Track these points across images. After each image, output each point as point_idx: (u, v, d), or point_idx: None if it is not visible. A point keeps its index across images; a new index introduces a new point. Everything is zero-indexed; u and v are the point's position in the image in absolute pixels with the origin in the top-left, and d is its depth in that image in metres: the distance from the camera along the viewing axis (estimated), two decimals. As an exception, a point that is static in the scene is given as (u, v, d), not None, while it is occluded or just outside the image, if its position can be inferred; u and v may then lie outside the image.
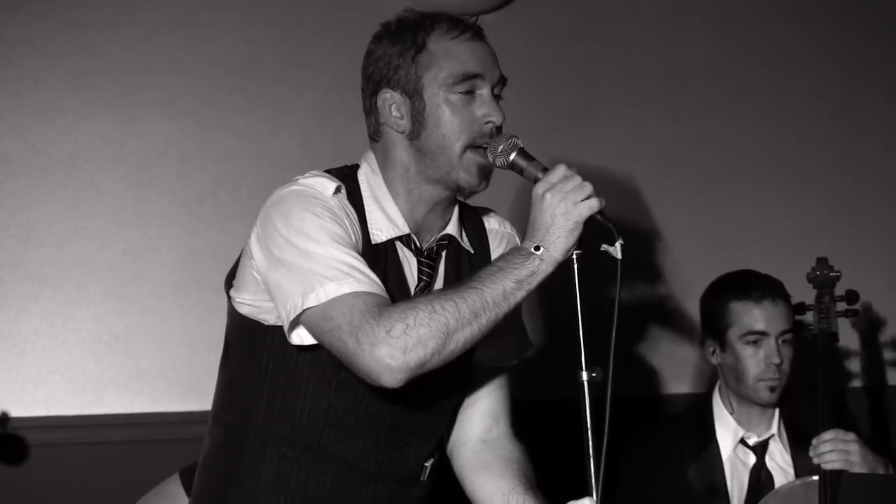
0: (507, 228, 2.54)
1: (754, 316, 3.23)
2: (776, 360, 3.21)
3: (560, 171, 2.20)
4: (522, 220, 2.46)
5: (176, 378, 3.54)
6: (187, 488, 2.91)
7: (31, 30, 3.54)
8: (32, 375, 3.48)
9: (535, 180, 2.23)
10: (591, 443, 2.16)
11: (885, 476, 3.02)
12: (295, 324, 2.21)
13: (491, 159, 2.29)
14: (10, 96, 3.52)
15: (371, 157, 2.40)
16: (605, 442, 2.15)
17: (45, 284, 3.50)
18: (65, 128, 3.54)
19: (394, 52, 2.32)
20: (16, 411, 3.43)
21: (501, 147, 2.27)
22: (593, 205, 2.18)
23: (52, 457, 3.42)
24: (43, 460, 3.41)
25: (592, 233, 2.20)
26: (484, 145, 2.29)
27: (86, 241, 3.53)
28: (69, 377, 3.49)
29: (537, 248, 2.18)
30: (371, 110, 2.37)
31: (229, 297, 2.40)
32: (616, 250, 2.19)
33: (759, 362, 3.22)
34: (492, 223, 2.52)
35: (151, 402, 3.53)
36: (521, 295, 2.17)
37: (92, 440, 3.47)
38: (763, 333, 3.22)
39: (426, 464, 2.46)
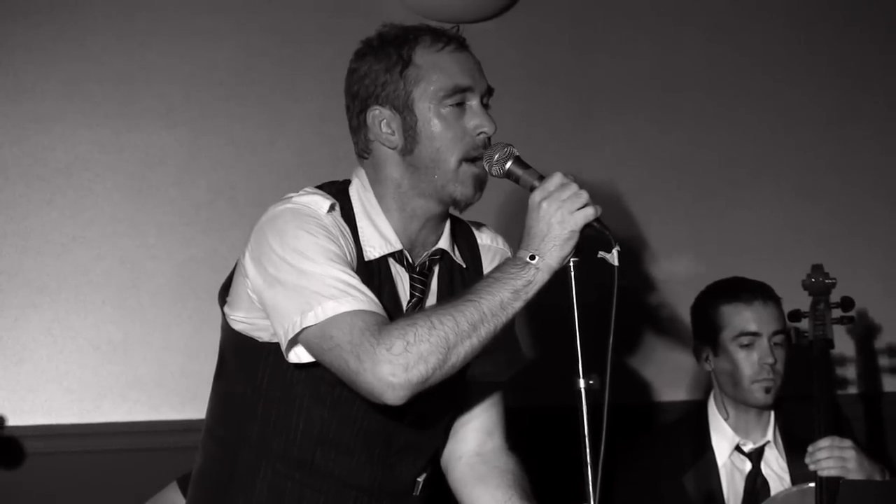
0: (500, 244, 2.53)
1: (745, 317, 3.25)
2: (769, 360, 3.22)
3: (556, 179, 2.21)
4: (510, 228, 2.47)
5: (174, 386, 3.54)
6: (185, 495, 2.91)
7: (29, 38, 3.54)
8: (30, 384, 3.48)
9: (532, 189, 2.23)
10: (588, 450, 2.16)
11: (882, 482, 3.02)
12: (293, 343, 2.21)
13: (487, 168, 2.29)
14: (8, 104, 3.53)
15: (361, 173, 2.39)
16: (602, 449, 2.15)
17: (44, 293, 3.50)
18: (62, 136, 3.55)
19: (380, 69, 2.32)
20: (14, 419, 3.43)
21: (497, 156, 2.28)
22: (589, 213, 2.18)
23: (50, 465, 3.42)
24: (41, 469, 3.41)
25: (589, 240, 2.20)
26: (479, 156, 2.30)
27: (83, 250, 3.54)
28: (67, 385, 3.49)
29: (533, 258, 2.18)
30: (359, 128, 2.36)
31: (223, 314, 2.40)
32: (613, 257, 2.19)
33: (752, 364, 3.23)
34: (484, 238, 2.52)
35: (149, 410, 3.53)
36: (518, 305, 2.18)
37: (90, 448, 3.47)
38: (755, 334, 3.24)
39: (419, 479, 2.46)
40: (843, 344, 3.94)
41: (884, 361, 4.06)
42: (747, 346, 3.24)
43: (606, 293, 2.17)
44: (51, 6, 3.56)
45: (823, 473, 2.97)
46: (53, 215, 3.53)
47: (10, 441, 3.41)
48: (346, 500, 2.37)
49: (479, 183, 2.32)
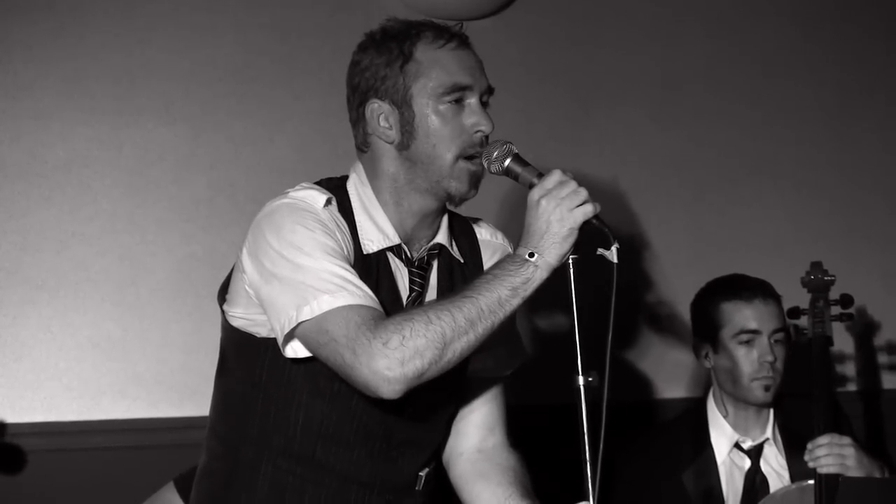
0: (499, 239, 2.53)
1: (746, 315, 3.25)
2: (769, 358, 3.22)
3: (555, 176, 2.21)
4: (508, 225, 2.47)
5: (173, 383, 3.54)
6: (182, 495, 2.91)
7: (27, 35, 3.54)
8: (30, 381, 3.47)
9: (530, 186, 2.24)
10: (587, 448, 2.16)
11: (882, 479, 3.02)
12: (289, 337, 2.22)
13: (486, 165, 2.29)
14: (6, 101, 3.52)
15: (359, 167, 2.39)
16: (601, 447, 2.15)
17: (43, 290, 3.50)
18: (61, 133, 3.55)
19: (381, 62, 2.32)
20: (13, 417, 3.43)
21: (496, 153, 2.28)
22: (588, 210, 2.18)
23: (50, 463, 3.42)
24: (40, 466, 3.41)
25: (589, 237, 2.20)
26: (476, 154, 2.30)
27: (82, 247, 3.53)
28: (66, 383, 3.49)
29: (532, 255, 2.18)
30: (358, 120, 2.36)
31: (223, 311, 2.40)
32: (612, 254, 2.20)
33: (752, 361, 3.23)
34: (483, 234, 2.52)
35: (148, 407, 3.53)
36: (516, 302, 2.18)
37: (89, 446, 3.46)
38: (755, 332, 3.24)
39: (421, 474, 2.45)
40: (843, 341, 3.95)
41: (883, 358, 4.06)
42: (747, 344, 3.24)
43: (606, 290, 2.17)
44: (50, 3, 3.55)
45: (823, 471, 2.97)
46: (52, 212, 3.53)
47: (11, 448, 3.40)
48: (348, 494, 2.37)
49: (475, 179, 2.32)
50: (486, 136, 2.31)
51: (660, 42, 3.99)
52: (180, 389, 3.54)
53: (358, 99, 2.36)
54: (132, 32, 3.60)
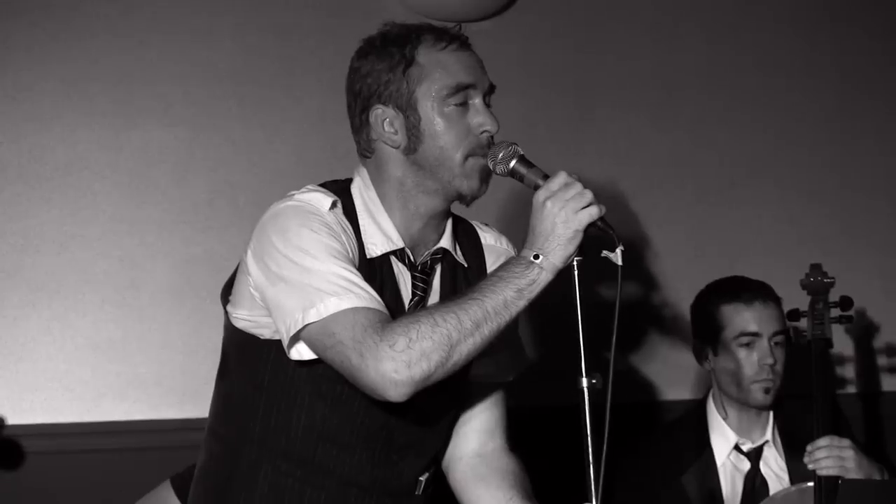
0: (504, 244, 2.52)
1: (746, 318, 3.25)
2: (769, 361, 3.23)
3: (561, 178, 2.21)
4: (514, 223, 2.47)
5: (173, 385, 3.54)
6: (179, 494, 2.91)
7: (28, 37, 3.54)
8: (30, 383, 3.47)
9: (536, 187, 2.23)
10: (590, 450, 2.16)
11: (881, 482, 3.02)
12: (295, 339, 2.22)
13: (491, 166, 2.29)
14: (7, 103, 3.53)
15: (363, 171, 2.39)
16: (604, 448, 2.15)
17: (43, 292, 3.50)
18: (61, 135, 3.55)
19: (382, 68, 2.31)
20: (13, 418, 3.43)
21: (501, 154, 2.27)
22: (593, 213, 2.18)
23: (50, 464, 3.42)
24: (40, 468, 3.41)
25: (593, 239, 2.21)
26: (483, 154, 2.30)
27: (83, 249, 3.53)
28: (66, 384, 3.49)
29: (537, 257, 2.18)
30: (362, 127, 2.36)
31: (226, 312, 2.40)
32: (617, 257, 2.19)
33: (752, 364, 3.24)
34: (488, 239, 2.51)
35: (149, 409, 3.53)
36: (522, 304, 2.18)
37: (89, 447, 3.47)
38: (755, 335, 3.24)
39: (421, 478, 2.45)
40: (842, 343, 3.95)
41: (882, 361, 4.07)
42: (747, 346, 3.24)
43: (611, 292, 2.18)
44: (49, 5, 3.56)
45: (822, 473, 2.97)
46: (52, 214, 3.53)
47: (9, 443, 3.40)
48: (347, 497, 2.36)
49: (485, 176, 2.32)
50: (492, 136, 2.31)
51: (660, 45, 4.00)
52: (180, 391, 3.54)
53: (361, 105, 2.35)
54: (132, 35, 3.60)
